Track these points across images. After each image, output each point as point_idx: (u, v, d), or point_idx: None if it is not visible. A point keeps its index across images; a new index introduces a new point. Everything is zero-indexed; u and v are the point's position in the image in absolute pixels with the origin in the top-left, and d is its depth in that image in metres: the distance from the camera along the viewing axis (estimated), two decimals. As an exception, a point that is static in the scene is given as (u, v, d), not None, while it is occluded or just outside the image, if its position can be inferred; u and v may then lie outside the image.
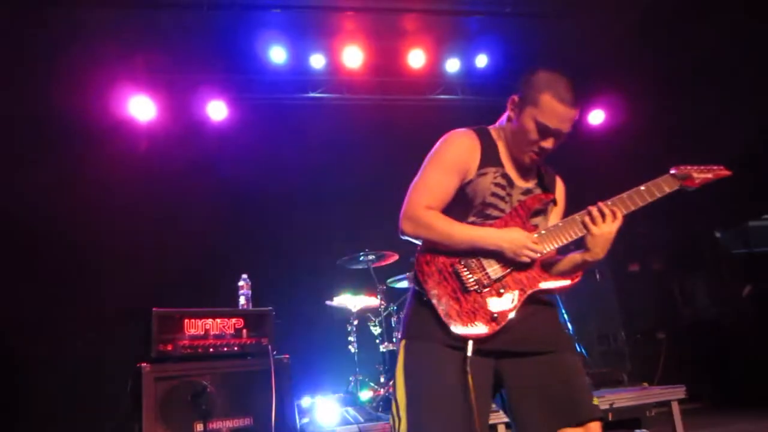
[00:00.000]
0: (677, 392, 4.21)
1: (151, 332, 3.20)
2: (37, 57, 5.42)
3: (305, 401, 4.57)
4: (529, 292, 1.89)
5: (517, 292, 1.88)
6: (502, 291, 1.87)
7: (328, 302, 5.01)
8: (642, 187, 2.01)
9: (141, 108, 6.10)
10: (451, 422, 1.75)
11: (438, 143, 2.04)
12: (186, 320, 3.33)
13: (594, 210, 1.93)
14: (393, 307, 5.01)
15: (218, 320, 3.43)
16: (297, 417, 3.55)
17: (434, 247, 1.92)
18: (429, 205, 1.94)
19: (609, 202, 1.96)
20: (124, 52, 5.73)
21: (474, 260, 1.90)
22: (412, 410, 1.79)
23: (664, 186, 2.03)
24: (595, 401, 1.85)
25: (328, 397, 4.49)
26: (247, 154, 6.21)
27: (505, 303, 1.86)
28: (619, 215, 1.94)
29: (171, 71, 6.22)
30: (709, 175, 2.11)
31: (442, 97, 7.18)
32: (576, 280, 1.98)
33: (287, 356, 3.51)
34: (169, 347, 3.23)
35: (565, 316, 5.45)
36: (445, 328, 1.82)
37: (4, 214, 5.15)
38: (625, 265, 6.88)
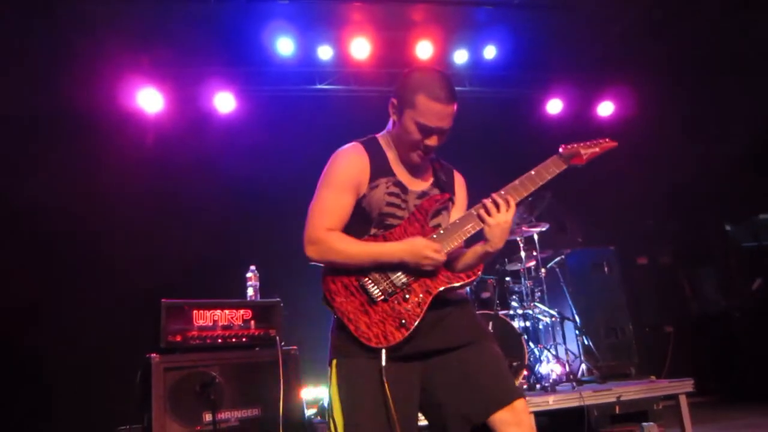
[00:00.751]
0: (685, 385, 4.19)
1: (161, 323, 3.21)
2: (44, 51, 5.43)
3: (313, 392, 4.59)
4: (435, 293, 1.92)
5: (422, 295, 1.91)
6: (408, 296, 1.90)
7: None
8: (532, 172, 2.02)
9: (149, 101, 6.11)
10: None
11: (328, 164, 2.07)
12: (195, 311, 3.35)
13: (488, 202, 1.95)
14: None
15: (227, 311, 3.44)
16: (304, 408, 3.57)
17: (335, 267, 1.96)
18: (329, 227, 1.97)
19: (502, 192, 1.97)
20: (131, 45, 5.74)
21: (378, 273, 1.93)
22: (348, 428, 1.83)
23: (552, 167, 2.03)
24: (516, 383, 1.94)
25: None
26: (254, 145, 6.21)
27: (411, 307, 1.89)
28: (512, 203, 1.95)
29: (178, 64, 6.22)
30: (596, 149, 2.10)
31: (450, 88, 7.14)
32: (476, 275, 2.00)
33: (295, 347, 3.53)
34: (178, 338, 3.25)
35: (573, 310, 5.44)
36: (359, 342, 1.85)
37: (14, 206, 5.18)
38: (633, 258, 6.86)
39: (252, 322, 3.50)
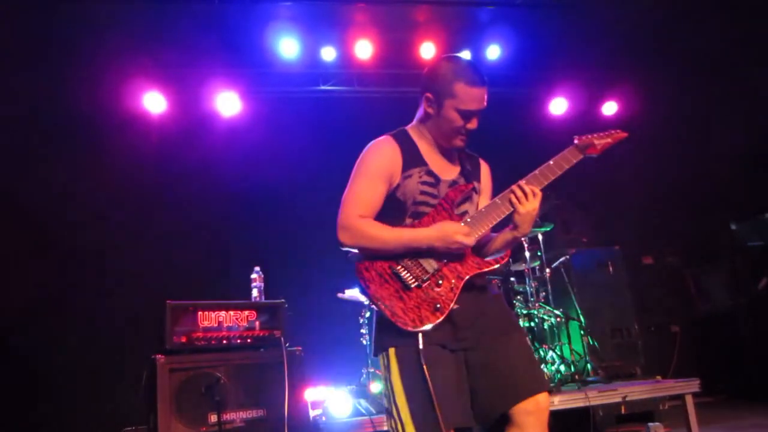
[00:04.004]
0: (691, 385, 4.18)
1: (165, 324, 3.22)
2: (46, 51, 5.45)
3: (317, 393, 4.59)
4: (466, 277, 2.00)
5: (454, 281, 1.99)
6: (440, 282, 1.98)
7: (339, 295, 5.01)
8: (550, 162, 2.11)
9: (152, 103, 6.12)
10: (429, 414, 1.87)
11: (361, 155, 2.17)
12: (200, 312, 3.35)
13: (517, 191, 2.04)
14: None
15: (231, 312, 3.44)
16: (309, 409, 3.57)
17: (371, 254, 2.02)
18: (362, 213, 2.05)
19: (524, 182, 2.06)
20: (134, 46, 5.75)
21: (410, 260, 2.00)
22: (414, 411, 1.89)
23: (569, 157, 2.13)
24: (545, 375, 2.04)
25: (341, 388, 4.50)
26: (258, 147, 6.22)
27: (444, 292, 1.97)
28: (538, 192, 2.05)
29: (181, 65, 6.23)
30: (609, 140, 2.19)
31: (454, 89, 7.14)
32: (504, 260, 2.12)
33: (300, 348, 3.52)
34: (183, 339, 3.25)
35: (579, 310, 5.42)
36: (396, 327, 1.91)
37: (19, 207, 5.21)
38: (639, 257, 6.83)
39: (257, 323, 3.50)
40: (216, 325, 3.38)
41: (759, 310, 6.33)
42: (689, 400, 4.15)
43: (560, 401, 3.94)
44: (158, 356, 3.14)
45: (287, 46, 6.29)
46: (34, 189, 5.34)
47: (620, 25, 6.38)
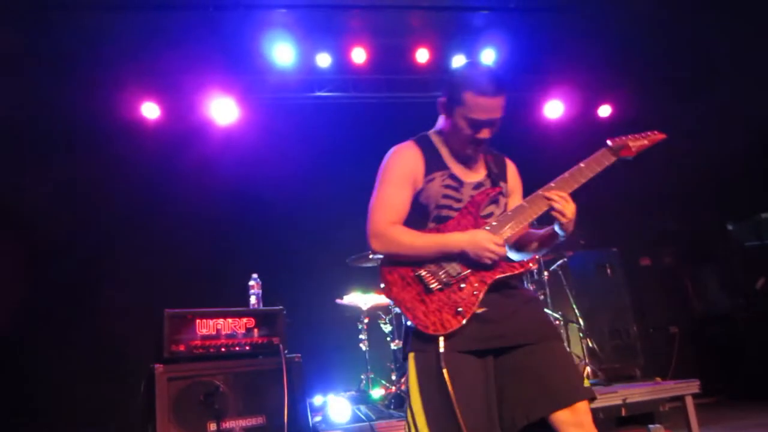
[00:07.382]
0: (691, 387, 4.18)
1: (163, 333, 3.21)
2: (41, 60, 5.45)
3: (317, 400, 4.57)
4: (489, 282, 1.98)
5: (477, 284, 1.97)
6: (463, 286, 1.96)
7: (338, 301, 5.01)
8: (582, 165, 2.08)
9: (147, 110, 6.13)
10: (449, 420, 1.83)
11: (383, 162, 2.18)
12: (198, 320, 3.34)
13: (559, 200, 1.98)
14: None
15: (229, 320, 3.43)
16: (309, 415, 3.55)
17: (396, 259, 2.03)
18: (392, 220, 2.06)
19: (553, 184, 2.03)
20: (130, 55, 5.75)
21: (434, 264, 1.99)
22: (428, 420, 1.86)
23: (602, 160, 2.10)
24: (586, 383, 1.96)
25: (340, 395, 4.49)
26: (254, 153, 6.22)
27: (467, 296, 1.94)
28: (567, 197, 2.01)
29: (177, 73, 6.23)
30: (645, 142, 2.16)
31: (449, 93, 7.15)
32: (528, 265, 2.09)
33: (299, 355, 3.51)
34: (182, 347, 3.24)
35: (577, 312, 5.42)
36: (418, 331, 1.91)
37: (17, 215, 5.19)
38: (636, 259, 6.84)
39: (255, 331, 3.49)
40: (214, 333, 3.37)
41: (757, 309, 6.34)
42: (689, 402, 4.15)
43: (560, 404, 3.93)
44: (156, 365, 3.12)
45: (283, 53, 6.30)
46: (31, 197, 5.32)
47: (614, 28, 6.41)
